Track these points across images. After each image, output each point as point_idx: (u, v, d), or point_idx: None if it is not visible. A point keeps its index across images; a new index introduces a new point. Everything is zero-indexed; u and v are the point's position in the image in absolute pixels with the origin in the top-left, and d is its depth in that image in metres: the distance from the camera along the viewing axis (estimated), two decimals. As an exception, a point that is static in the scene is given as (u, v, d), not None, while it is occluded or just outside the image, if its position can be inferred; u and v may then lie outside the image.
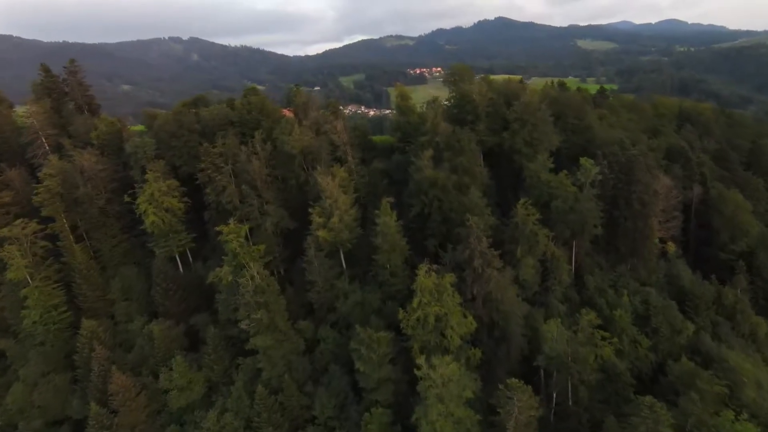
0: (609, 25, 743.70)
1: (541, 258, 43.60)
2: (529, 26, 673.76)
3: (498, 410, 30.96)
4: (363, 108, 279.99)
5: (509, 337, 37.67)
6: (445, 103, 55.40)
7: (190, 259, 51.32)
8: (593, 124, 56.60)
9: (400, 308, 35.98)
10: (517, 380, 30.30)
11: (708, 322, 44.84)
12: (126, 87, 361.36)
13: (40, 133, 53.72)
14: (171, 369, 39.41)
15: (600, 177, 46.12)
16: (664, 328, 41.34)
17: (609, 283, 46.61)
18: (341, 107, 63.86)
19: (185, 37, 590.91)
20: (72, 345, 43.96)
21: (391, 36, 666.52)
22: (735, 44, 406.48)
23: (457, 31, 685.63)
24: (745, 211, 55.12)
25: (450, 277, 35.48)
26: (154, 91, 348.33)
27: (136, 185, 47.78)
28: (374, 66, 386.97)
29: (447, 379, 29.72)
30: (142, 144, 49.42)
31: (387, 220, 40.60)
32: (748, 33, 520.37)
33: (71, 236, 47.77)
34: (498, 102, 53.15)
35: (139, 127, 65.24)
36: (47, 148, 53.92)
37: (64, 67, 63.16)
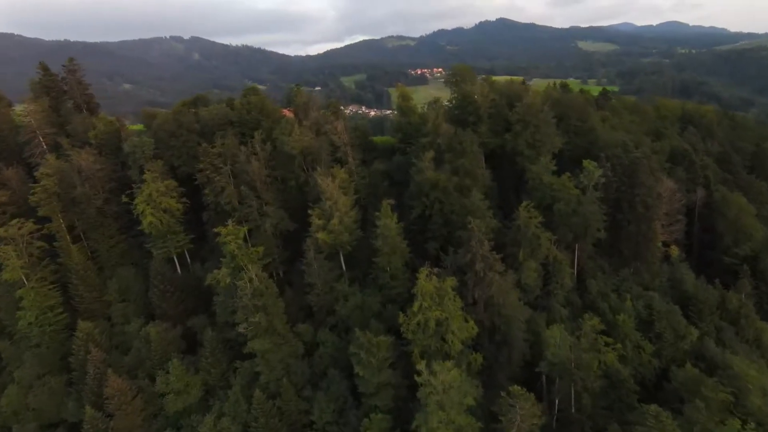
0: (610, 26, 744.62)
1: (543, 261, 43.05)
2: (531, 27, 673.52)
3: (500, 418, 30.40)
4: (364, 108, 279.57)
5: (511, 342, 37.11)
6: (446, 103, 54.93)
7: (188, 260, 50.81)
8: (596, 126, 56.12)
9: (401, 312, 35.45)
10: (519, 387, 29.75)
11: (712, 328, 44.22)
12: (127, 86, 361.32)
13: (38, 132, 53.29)
14: (168, 372, 38.89)
15: (603, 180, 45.60)
16: (668, 333, 40.76)
17: (612, 287, 46.01)
18: (342, 107, 63.35)
19: (186, 36, 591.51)
20: (68, 347, 43.45)
21: (393, 36, 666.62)
22: (736, 46, 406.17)
23: (459, 31, 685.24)
24: (749, 215, 54.60)
25: (451, 281, 34.95)
26: (155, 90, 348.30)
27: (134, 185, 47.29)
28: (375, 66, 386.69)
29: (448, 386, 29.17)
30: (140, 144, 48.94)
31: (387, 222, 40.09)
32: (750, 35, 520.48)
33: (68, 236, 47.25)
34: (500, 103, 52.69)
35: (139, 127, 64.77)
36: (45, 147, 53.47)
37: (63, 66, 62.67)
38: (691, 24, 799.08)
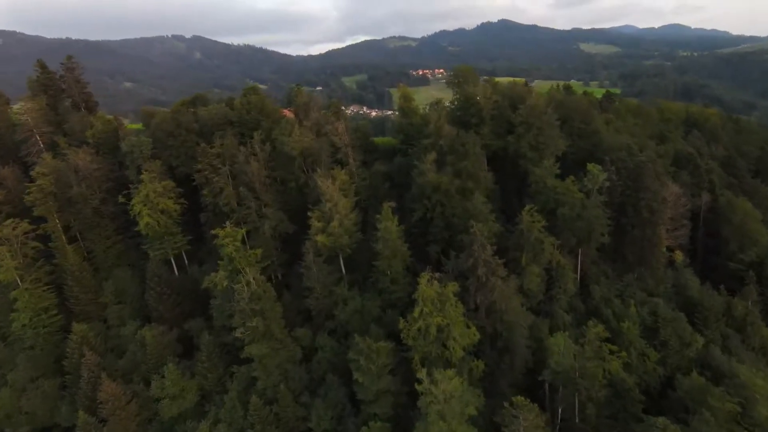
0: (612, 28, 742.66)
1: (545, 266, 42.37)
2: (532, 29, 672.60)
3: (503, 429, 29.64)
4: (365, 108, 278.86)
5: (513, 349, 36.40)
6: (448, 104, 54.26)
7: (186, 261, 50.11)
8: (600, 128, 55.45)
9: (401, 317, 34.76)
10: (523, 398, 28.97)
11: (718, 335, 43.48)
12: (128, 84, 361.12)
13: (35, 130, 52.65)
14: (163, 377, 38.14)
15: (607, 184, 44.90)
16: (673, 340, 40.02)
17: (615, 292, 45.31)
18: (343, 107, 62.69)
19: (188, 35, 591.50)
20: (62, 349, 42.73)
21: (394, 37, 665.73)
22: (738, 49, 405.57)
23: (460, 32, 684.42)
24: (755, 220, 53.84)
25: (453, 287, 34.23)
26: (156, 89, 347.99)
27: (131, 185, 46.60)
28: (377, 67, 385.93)
29: (449, 395, 28.45)
30: (138, 143, 48.28)
31: (388, 225, 39.39)
32: (752, 38, 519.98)
33: (64, 237, 46.59)
34: (503, 105, 52.01)
35: (138, 126, 64.12)
36: (41, 145, 52.82)
37: (62, 64, 62.04)
38: (693, 27, 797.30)
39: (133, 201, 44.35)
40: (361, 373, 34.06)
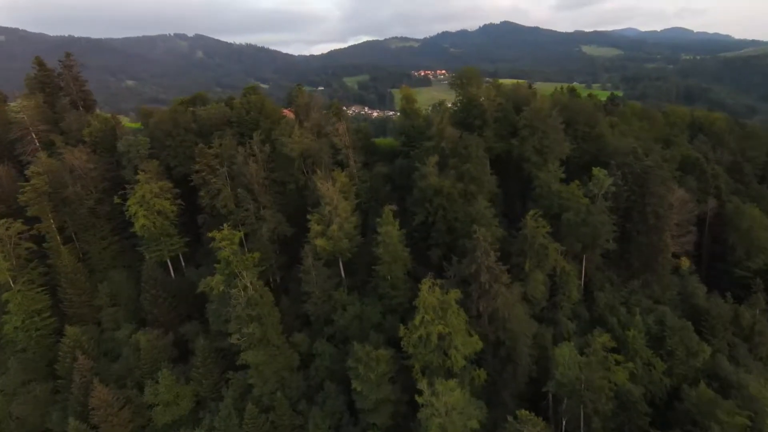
0: (614, 31, 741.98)
1: (549, 272, 41.43)
2: (535, 31, 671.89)
3: (506, 441, 28.72)
4: (366, 109, 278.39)
5: (516, 358, 35.46)
6: (450, 105, 53.37)
7: (183, 263, 49.23)
8: (605, 132, 54.51)
9: (401, 324, 33.86)
10: (527, 412, 28.03)
11: (725, 344, 42.56)
12: (130, 82, 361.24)
13: (31, 128, 51.79)
14: (157, 382, 37.25)
15: (613, 188, 43.98)
16: (680, 350, 39.06)
17: (620, 299, 44.38)
18: (344, 108, 61.85)
19: (191, 34, 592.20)
20: (55, 352, 41.79)
21: (396, 38, 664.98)
22: (741, 53, 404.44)
23: (463, 34, 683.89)
24: (763, 227, 52.85)
25: (455, 294, 33.31)
26: (158, 88, 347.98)
27: (127, 186, 45.74)
28: (378, 67, 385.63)
29: (451, 408, 27.52)
30: (135, 143, 47.50)
31: (389, 229, 38.51)
32: (754, 42, 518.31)
33: (58, 237, 45.66)
34: (507, 107, 51.10)
35: (137, 125, 63.30)
36: (37, 144, 51.98)
37: (60, 61, 61.26)
38: (695, 30, 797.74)
39: (129, 202, 43.51)
40: (359, 382, 33.15)
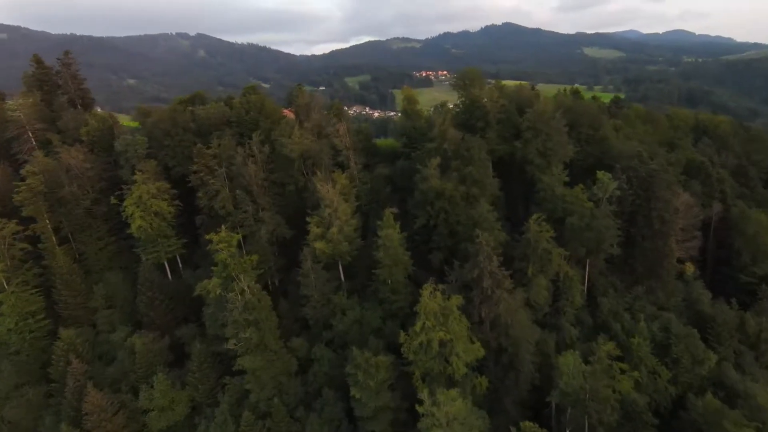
0: (616, 33, 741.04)
1: (552, 277, 40.71)
2: (536, 32, 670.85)
3: (508, 452, 27.97)
4: (368, 109, 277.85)
5: (519, 365, 34.73)
6: (451, 106, 52.67)
7: (180, 265, 48.52)
8: (609, 135, 53.80)
9: (402, 330, 33.16)
10: (530, 423, 27.31)
11: (730, 352, 41.80)
12: (131, 81, 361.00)
13: (27, 127, 51.10)
14: (152, 387, 36.51)
15: (618, 192, 43.26)
16: (685, 358, 38.29)
17: (624, 305, 43.64)
18: (345, 108, 61.15)
19: (192, 33, 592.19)
20: (49, 355, 41.05)
21: (398, 38, 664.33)
22: (743, 56, 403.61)
23: (464, 35, 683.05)
24: (769, 232, 52.06)
25: (456, 300, 32.61)
26: (159, 86, 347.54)
27: (124, 186, 45.06)
28: (380, 67, 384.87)
29: (452, 418, 26.79)
30: (133, 142, 46.79)
31: (390, 232, 37.82)
32: (756, 45, 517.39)
33: (54, 238, 44.99)
34: (510, 109, 50.39)
35: (137, 123, 62.57)
36: (34, 143, 51.29)
37: (58, 59, 60.57)
38: (697, 33, 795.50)
39: (125, 203, 42.82)
40: (358, 389, 32.44)
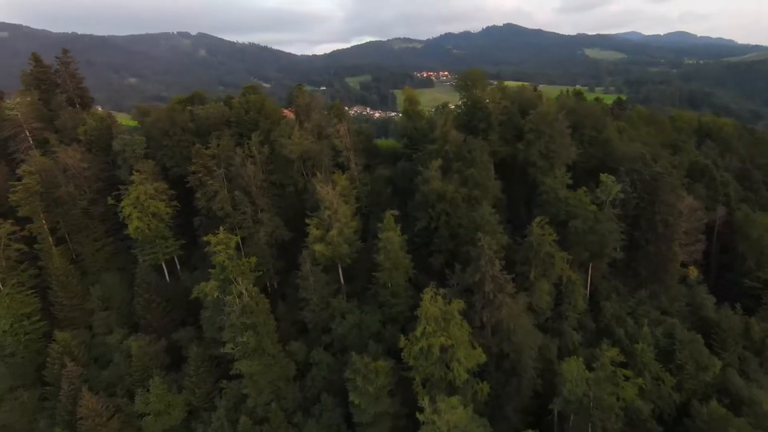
0: (617, 35, 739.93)
1: (555, 281, 40.14)
2: (538, 33, 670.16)
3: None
4: (368, 109, 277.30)
5: (521, 371, 34.16)
6: (453, 107, 52.11)
7: (178, 266, 47.99)
8: (612, 137, 53.24)
9: (402, 335, 32.59)
10: (533, 431, 26.66)
11: (735, 358, 41.21)
12: (133, 80, 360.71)
13: (24, 126, 50.56)
14: (148, 390, 35.95)
15: (622, 195, 42.68)
16: (690, 364, 37.69)
17: (627, 310, 43.11)
18: (346, 108, 60.59)
19: (194, 32, 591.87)
20: (45, 357, 40.47)
21: (399, 38, 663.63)
22: (744, 58, 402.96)
23: (466, 35, 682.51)
24: (774, 237, 51.46)
25: (458, 304, 32.04)
26: (161, 85, 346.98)
27: (121, 186, 44.53)
28: (381, 68, 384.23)
29: (453, 426, 26.23)
30: (130, 142, 46.26)
31: (390, 235, 37.27)
32: (757, 48, 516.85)
33: (50, 239, 44.44)
34: (512, 110, 49.85)
35: (135, 123, 62.07)
36: (31, 142, 50.76)
37: (57, 58, 60.09)
38: (698, 35, 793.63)
39: (123, 203, 42.28)
40: (357, 395, 31.89)
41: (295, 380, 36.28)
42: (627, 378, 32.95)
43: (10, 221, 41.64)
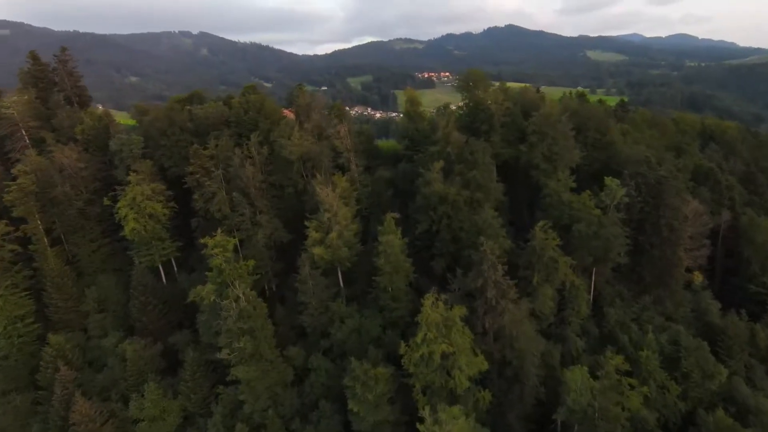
0: (619, 36, 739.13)
1: (558, 286, 39.43)
2: (539, 35, 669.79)
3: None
4: (369, 110, 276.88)
5: (523, 378, 33.43)
6: (454, 108, 51.44)
7: (175, 268, 47.30)
8: (616, 139, 52.57)
9: (402, 340, 31.88)
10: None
11: (741, 366, 40.50)
12: (134, 79, 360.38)
13: (21, 125, 49.92)
14: (143, 396, 35.24)
15: (626, 199, 41.99)
16: (696, 372, 36.97)
17: (631, 315, 42.37)
18: (347, 108, 59.90)
19: (195, 32, 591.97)
20: (38, 360, 39.78)
21: (400, 39, 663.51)
22: (746, 61, 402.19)
23: (467, 36, 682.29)
24: (780, 241, 50.72)
25: (460, 310, 31.33)
26: (162, 84, 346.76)
27: (118, 187, 43.86)
28: (382, 68, 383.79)
29: (454, 436, 25.52)
30: (128, 142, 45.64)
31: (391, 238, 36.57)
32: (759, 50, 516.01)
33: (45, 239, 43.77)
34: (515, 112, 49.16)
35: (132, 122, 61.45)
36: (27, 141, 50.11)
37: (54, 56, 59.48)
38: (700, 37, 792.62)
39: (119, 204, 41.62)
40: (356, 402, 31.18)
41: (293, 386, 35.57)
42: (632, 387, 32.21)
43: (4, 221, 41.08)
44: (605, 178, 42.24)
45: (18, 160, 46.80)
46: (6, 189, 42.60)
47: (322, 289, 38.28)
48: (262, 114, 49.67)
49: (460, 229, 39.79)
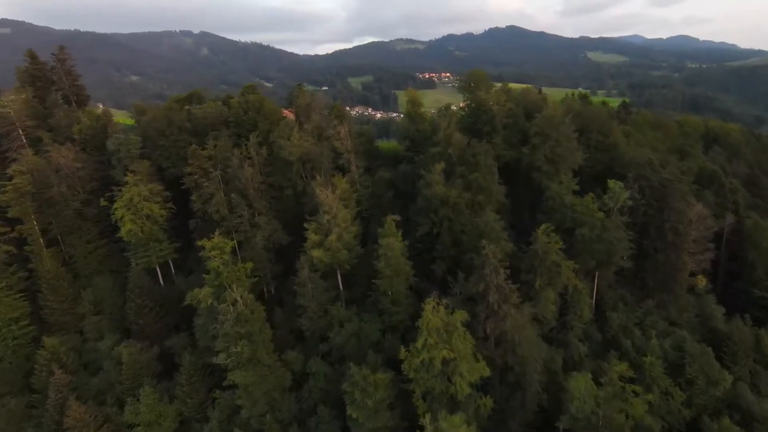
0: (620, 38, 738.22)
1: (560, 290, 38.86)
2: (540, 36, 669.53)
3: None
4: (370, 110, 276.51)
5: (525, 384, 32.86)
6: (455, 109, 50.91)
7: (173, 270, 46.74)
8: (619, 141, 52.01)
9: (402, 345, 31.32)
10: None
11: (746, 372, 39.90)
12: (134, 78, 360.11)
13: (17, 124, 49.36)
14: (138, 400, 34.68)
15: (630, 202, 41.42)
16: (700, 378, 36.38)
17: (635, 320, 41.80)
18: (348, 108, 59.38)
19: (196, 31, 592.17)
20: (33, 363, 39.22)
21: (401, 39, 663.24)
22: (747, 63, 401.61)
23: (468, 37, 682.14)
24: (785, 245, 50.13)
25: (461, 315, 30.76)
26: (162, 83, 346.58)
27: (115, 187, 43.31)
28: (383, 68, 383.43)
29: (456, 446, 24.96)
30: (126, 142, 45.10)
31: (391, 241, 36.03)
32: (760, 52, 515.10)
33: (41, 240, 43.22)
34: (517, 113, 48.62)
35: (131, 121, 60.93)
36: (24, 140, 49.56)
37: (53, 54, 58.94)
38: (701, 39, 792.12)
39: (115, 205, 41.05)
40: (355, 408, 30.63)
41: (291, 391, 35.02)
42: (636, 394, 31.66)
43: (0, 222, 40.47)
44: (608, 180, 41.73)
45: (14, 160, 46.23)
46: (2, 189, 42.04)
47: (321, 292, 37.75)
48: (261, 114, 49.15)
49: (462, 231, 39.26)
